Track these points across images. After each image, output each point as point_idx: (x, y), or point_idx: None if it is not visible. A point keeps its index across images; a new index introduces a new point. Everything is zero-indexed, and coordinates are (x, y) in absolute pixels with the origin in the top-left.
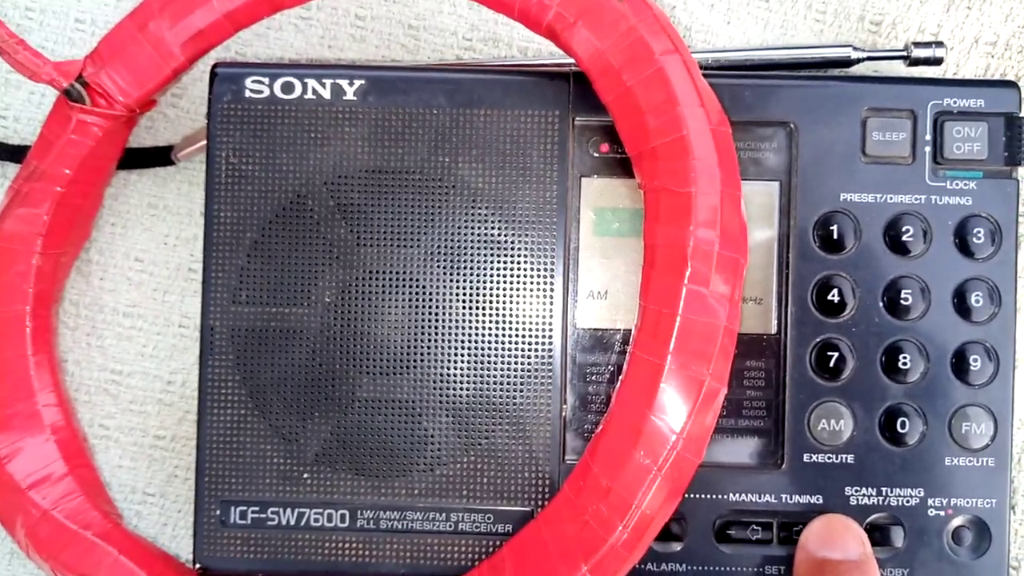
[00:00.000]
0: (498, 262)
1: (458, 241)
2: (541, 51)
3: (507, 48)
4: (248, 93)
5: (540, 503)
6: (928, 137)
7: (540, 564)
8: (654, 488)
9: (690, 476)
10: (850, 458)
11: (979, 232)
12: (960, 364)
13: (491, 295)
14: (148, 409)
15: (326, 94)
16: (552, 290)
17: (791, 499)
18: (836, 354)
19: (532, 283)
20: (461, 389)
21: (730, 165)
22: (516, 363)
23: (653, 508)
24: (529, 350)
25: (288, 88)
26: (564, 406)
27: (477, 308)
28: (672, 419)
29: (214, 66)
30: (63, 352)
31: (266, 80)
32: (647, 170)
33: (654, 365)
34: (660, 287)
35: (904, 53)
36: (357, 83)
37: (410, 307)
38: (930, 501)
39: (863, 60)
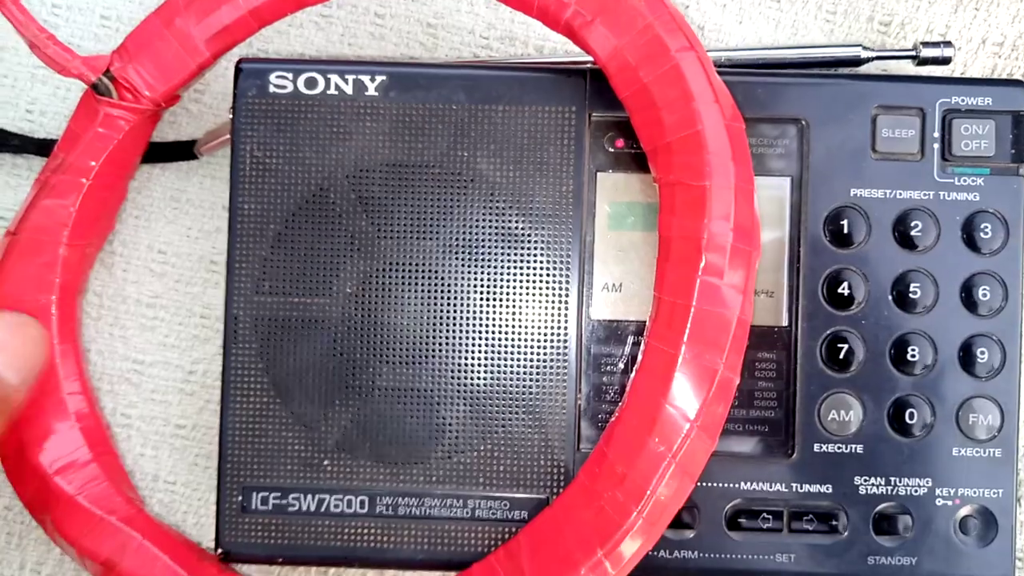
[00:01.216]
0: (515, 255)
1: (476, 234)
2: (557, 49)
3: (523, 46)
4: (272, 88)
5: (555, 490)
6: (937, 134)
7: (556, 549)
8: (668, 474)
9: (704, 463)
10: (859, 448)
11: (987, 227)
12: (967, 357)
13: (508, 287)
14: (170, 398)
15: (348, 89)
16: (568, 282)
17: (801, 488)
18: (846, 346)
19: (548, 275)
20: (478, 378)
21: (744, 160)
22: (532, 353)
23: (667, 494)
24: (545, 341)
25: (311, 84)
26: (579, 395)
27: (494, 299)
28: (686, 407)
29: (239, 62)
30: (86, 342)
31: (290, 76)
32: (663, 164)
33: (668, 355)
34: (675, 279)
35: (913, 53)
36: (379, 79)
37: (429, 298)
38: (938, 491)
39: (872, 59)
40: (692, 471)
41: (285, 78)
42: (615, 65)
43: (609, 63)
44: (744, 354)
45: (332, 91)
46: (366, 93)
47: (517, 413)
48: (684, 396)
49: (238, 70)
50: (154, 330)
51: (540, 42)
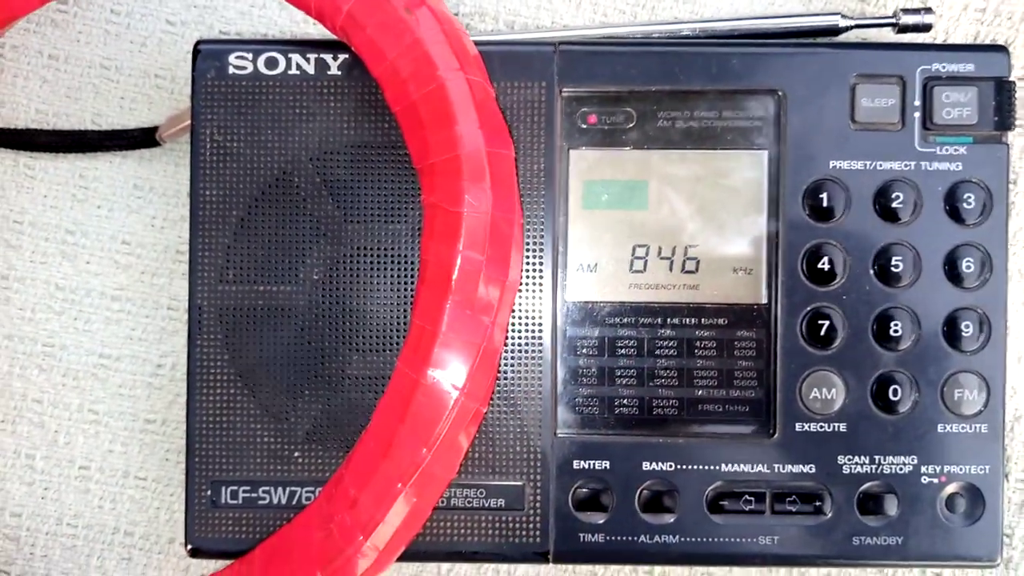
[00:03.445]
0: None
1: None
2: (528, 24)
3: (494, 22)
4: (232, 69)
5: (531, 477)
6: (917, 103)
7: (283, 567)
8: (398, 502)
9: (440, 493)
10: (842, 427)
11: (970, 198)
12: (952, 331)
13: None
14: (138, 393)
15: (310, 69)
16: (541, 264)
17: (783, 469)
18: (827, 323)
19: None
20: None
21: (505, 188)
22: (507, 337)
23: (396, 523)
24: (519, 324)
25: (272, 64)
26: (555, 380)
27: None
28: (424, 434)
29: (197, 43)
30: (48, 336)
31: (250, 56)
32: (426, 185)
33: (411, 380)
34: (426, 303)
35: (893, 20)
36: (342, 57)
37: (399, 283)
38: (923, 469)
39: (851, 28)
40: (428, 498)
41: (245, 59)
42: (386, 77)
43: (380, 74)
44: (493, 383)
45: (294, 71)
46: (329, 72)
47: (492, 399)
48: (422, 423)
49: (196, 52)
50: (120, 323)
51: (511, 17)
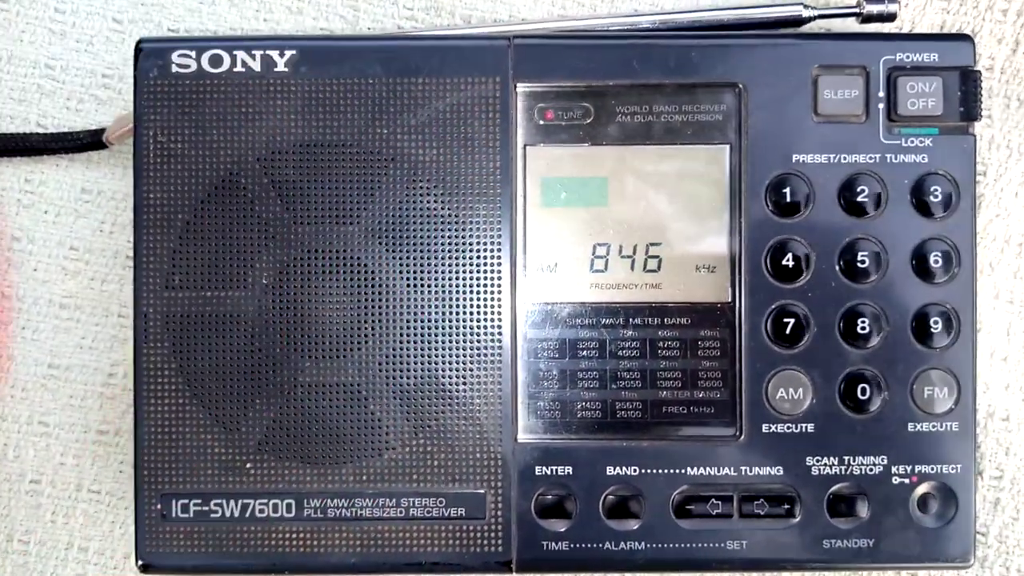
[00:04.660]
0: (442, 237)
1: (399, 216)
2: (484, 18)
3: (449, 16)
4: (175, 68)
5: (492, 484)
6: (881, 94)
7: None
8: None
9: None
10: (810, 427)
11: (936, 190)
12: (921, 327)
13: (436, 272)
14: (89, 403)
15: (256, 66)
16: (499, 264)
17: (751, 471)
18: (793, 321)
19: (478, 258)
20: (408, 370)
21: None
22: (464, 341)
23: None
24: (478, 327)
25: (216, 61)
26: (515, 383)
27: (422, 286)
28: None
29: (139, 42)
30: None
31: (193, 54)
32: None
33: None
34: None
35: (856, 9)
36: (288, 54)
37: (352, 286)
38: (894, 469)
39: (814, 19)
40: None
41: (188, 56)
42: None
43: None
44: None
45: (239, 68)
46: (275, 69)
47: (451, 405)
48: None
49: (138, 50)
50: (70, 332)
51: (467, 12)
